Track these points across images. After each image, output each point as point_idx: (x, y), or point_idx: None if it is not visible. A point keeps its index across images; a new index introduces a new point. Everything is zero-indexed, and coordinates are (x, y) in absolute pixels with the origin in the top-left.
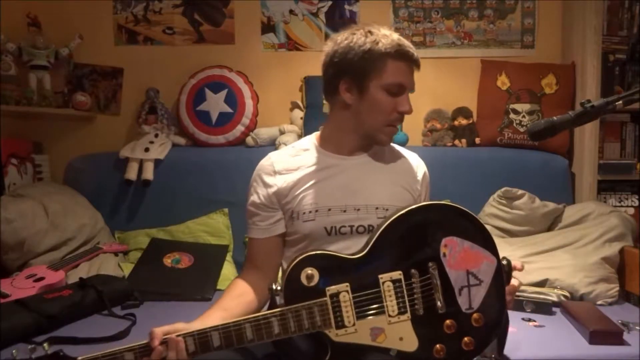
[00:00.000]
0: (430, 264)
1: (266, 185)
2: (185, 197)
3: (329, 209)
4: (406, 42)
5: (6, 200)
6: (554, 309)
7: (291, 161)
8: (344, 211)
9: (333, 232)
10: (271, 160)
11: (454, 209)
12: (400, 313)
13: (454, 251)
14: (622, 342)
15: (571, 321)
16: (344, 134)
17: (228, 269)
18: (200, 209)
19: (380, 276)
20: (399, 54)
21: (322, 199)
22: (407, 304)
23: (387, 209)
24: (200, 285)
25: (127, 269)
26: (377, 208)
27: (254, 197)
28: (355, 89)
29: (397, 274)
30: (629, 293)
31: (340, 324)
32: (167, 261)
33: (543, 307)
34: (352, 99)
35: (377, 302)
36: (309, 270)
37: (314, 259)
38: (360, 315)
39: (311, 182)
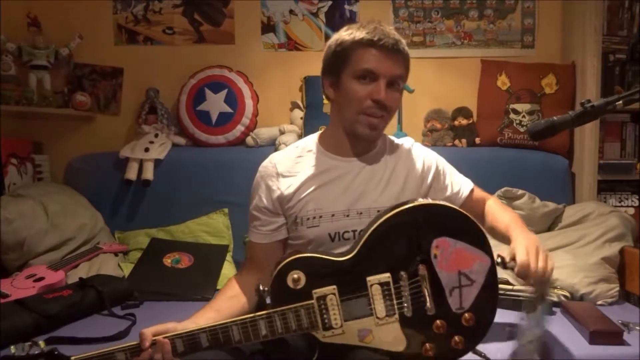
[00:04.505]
0: (420, 266)
1: (269, 190)
2: (185, 197)
3: (333, 214)
4: (381, 30)
5: (6, 200)
6: (554, 309)
7: (294, 163)
8: (347, 216)
9: (337, 239)
10: (274, 162)
11: (445, 208)
12: (388, 315)
13: (446, 252)
14: (622, 342)
15: (571, 321)
16: (338, 133)
17: (228, 269)
18: (200, 209)
19: (368, 279)
20: (368, 41)
21: (326, 204)
22: (395, 306)
23: None
24: (200, 285)
25: (127, 269)
26: (378, 211)
27: (256, 201)
28: (334, 83)
29: (385, 277)
30: (629, 293)
31: (327, 326)
32: (167, 261)
33: None
34: (334, 94)
35: (365, 304)
36: (295, 274)
37: (301, 262)
38: (348, 317)
39: (314, 186)
